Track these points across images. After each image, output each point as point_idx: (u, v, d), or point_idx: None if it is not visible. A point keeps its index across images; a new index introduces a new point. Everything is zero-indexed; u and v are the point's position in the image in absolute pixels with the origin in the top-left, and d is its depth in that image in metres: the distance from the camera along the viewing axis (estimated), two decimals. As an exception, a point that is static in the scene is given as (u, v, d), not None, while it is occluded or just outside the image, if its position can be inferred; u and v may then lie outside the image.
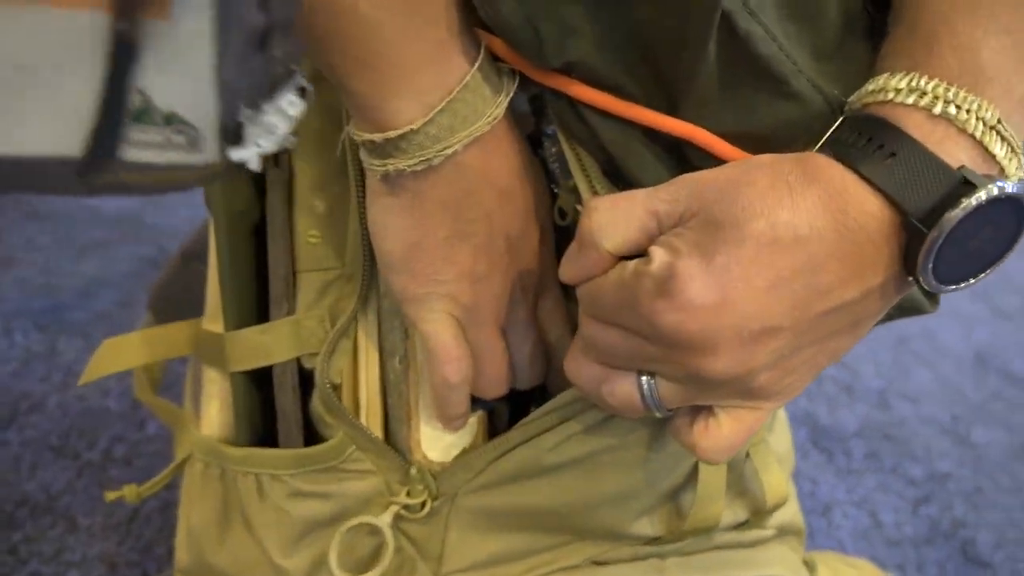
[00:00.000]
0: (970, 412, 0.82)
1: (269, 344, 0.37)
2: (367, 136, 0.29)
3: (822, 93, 0.27)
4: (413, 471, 0.35)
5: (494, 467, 0.35)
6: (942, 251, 0.24)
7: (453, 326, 0.32)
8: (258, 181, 0.38)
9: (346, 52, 0.27)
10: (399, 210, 0.30)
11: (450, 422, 0.35)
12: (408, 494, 0.35)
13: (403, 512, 0.35)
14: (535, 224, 0.33)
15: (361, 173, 0.32)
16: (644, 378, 0.28)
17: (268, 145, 0.22)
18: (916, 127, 0.24)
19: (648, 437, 0.35)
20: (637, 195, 0.26)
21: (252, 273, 0.38)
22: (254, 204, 0.38)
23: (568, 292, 0.35)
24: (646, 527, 0.36)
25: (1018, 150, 0.25)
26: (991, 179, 0.23)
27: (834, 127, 0.26)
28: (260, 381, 0.39)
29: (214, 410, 0.40)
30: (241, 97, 0.20)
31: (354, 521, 0.35)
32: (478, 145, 0.29)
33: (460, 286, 0.31)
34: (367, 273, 0.35)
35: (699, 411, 0.29)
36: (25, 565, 0.53)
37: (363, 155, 0.30)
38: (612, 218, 0.26)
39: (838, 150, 0.25)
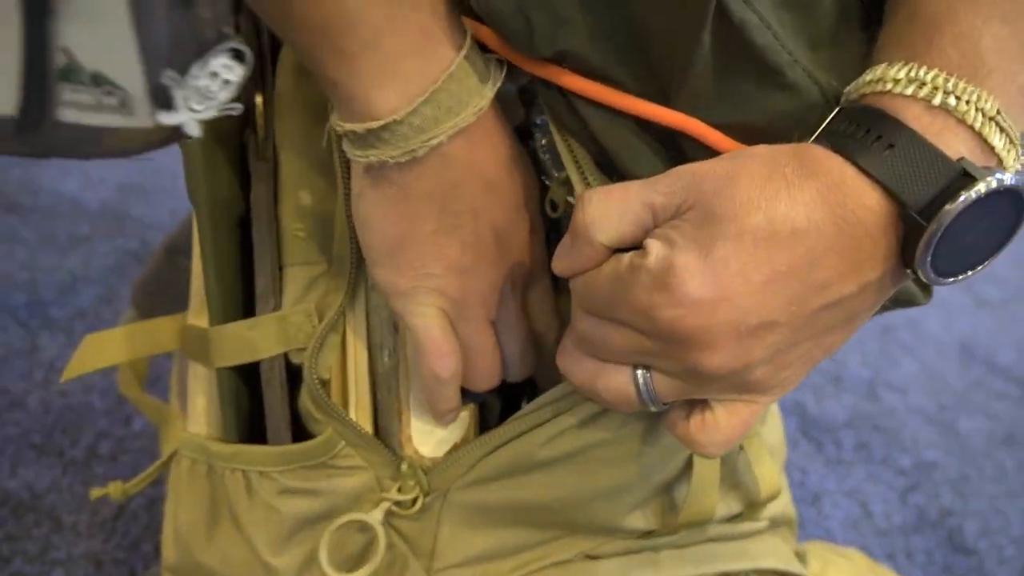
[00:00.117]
0: (955, 402, 0.83)
1: (255, 339, 0.36)
2: (349, 126, 0.28)
3: (817, 84, 0.27)
4: (404, 467, 0.35)
5: (486, 462, 0.35)
6: (940, 244, 0.24)
7: (441, 320, 0.32)
8: (243, 174, 0.37)
9: (327, 41, 0.26)
10: (383, 203, 0.30)
11: (441, 416, 0.34)
12: (399, 490, 0.35)
13: (394, 508, 0.35)
14: (524, 216, 0.32)
15: (347, 165, 0.32)
16: (639, 372, 0.27)
17: (206, 111, 0.22)
18: (915, 118, 0.24)
19: (642, 431, 0.34)
20: (632, 187, 0.26)
21: (237, 267, 0.38)
22: (239, 197, 0.38)
23: (558, 283, 0.35)
24: (639, 521, 0.36)
25: (1016, 141, 0.25)
26: (990, 171, 0.23)
27: (830, 118, 0.26)
28: (247, 377, 0.38)
29: (200, 406, 0.40)
30: (165, 58, 0.20)
31: (344, 518, 0.35)
32: (464, 136, 0.29)
33: (447, 280, 0.31)
34: (354, 267, 0.35)
35: (694, 405, 0.29)
36: (9, 564, 0.52)
37: (346, 146, 0.30)
38: (606, 211, 0.26)
39: (835, 141, 0.25)
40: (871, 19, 0.28)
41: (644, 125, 0.28)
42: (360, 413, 0.36)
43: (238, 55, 0.23)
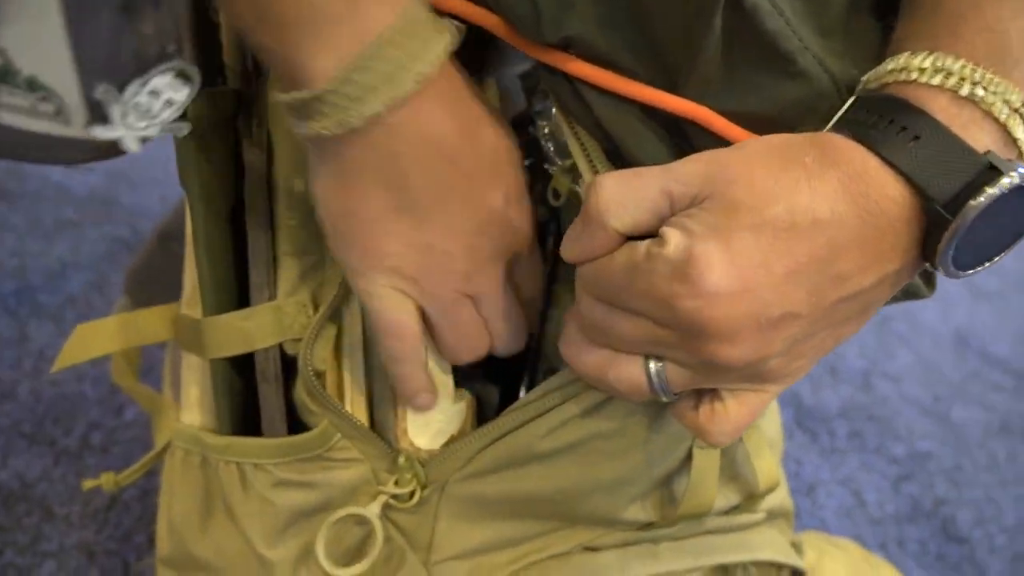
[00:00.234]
0: (950, 392, 0.83)
1: (250, 330, 0.36)
2: (284, 97, 0.26)
3: (828, 72, 0.26)
4: (401, 459, 0.34)
5: (485, 454, 0.34)
6: (963, 237, 0.23)
7: (397, 300, 0.30)
8: (236, 162, 0.37)
9: (258, 8, 0.25)
10: (330, 179, 0.28)
11: (412, 400, 0.33)
12: (396, 483, 0.34)
13: (392, 502, 0.35)
14: (496, 184, 0.30)
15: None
16: (652, 363, 0.27)
17: (147, 129, 0.21)
18: (941, 109, 0.24)
19: (645, 422, 0.34)
20: (648, 173, 0.25)
21: (231, 257, 0.37)
22: (232, 186, 0.37)
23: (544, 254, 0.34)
24: (639, 513, 0.36)
25: None
26: (1014, 164, 0.23)
27: (848, 105, 0.26)
28: (241, 367, 0.38)
29: (194, 397, 0.39)
30: (101, 71, 0.20)
31: (342, 512, 0.34)
32: (410, 107, 0.27)
33: (404, 259, 0.30)
34: (351, 256, 0.34)
35: (703, 394, 0.28)
36: (0, 555, 0.52)
37: (288, 119, 0.28)
38: (621, 197, 0.25)
39: (857, 130, 0.24)
40: (884, 8, 0.27)
41: (650, 112, 0.28)
42: (356, 405, 0.35)
43: (185, 76, 0.22)
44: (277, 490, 0.35)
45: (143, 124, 0.21)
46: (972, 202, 0.23)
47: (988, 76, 0.24)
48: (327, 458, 0.35)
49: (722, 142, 0.27)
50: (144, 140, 0.21)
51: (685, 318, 0.24)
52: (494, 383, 0.39)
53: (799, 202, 0.23)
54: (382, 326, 0.31)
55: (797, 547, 0.43)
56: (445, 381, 0.34)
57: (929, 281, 0.32)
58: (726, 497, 0.38)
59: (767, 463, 0.39)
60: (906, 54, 0.25)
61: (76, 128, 0.20)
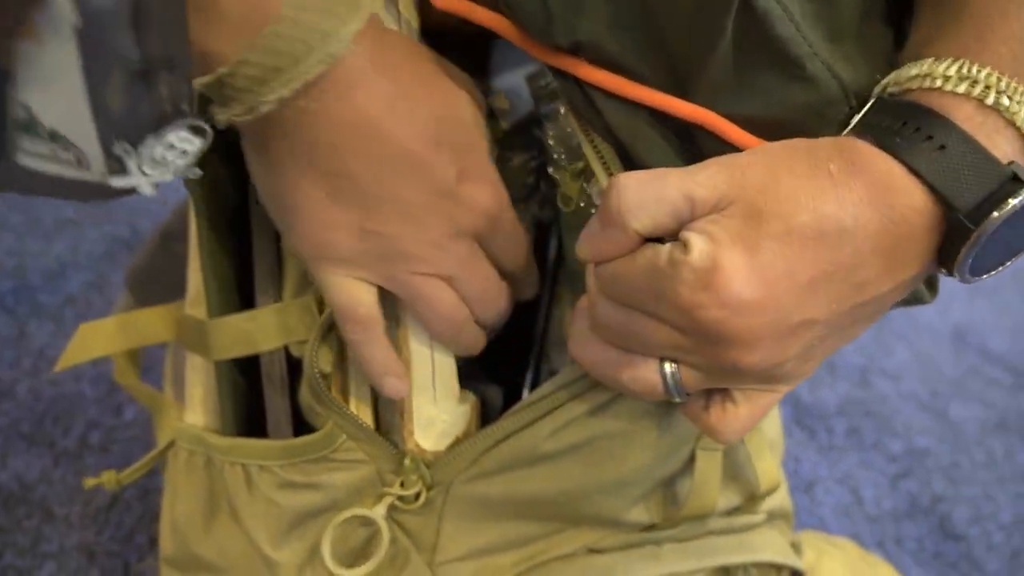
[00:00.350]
0: (948, 388, 0.83)
1: (255, 332, 0.36)
2: (196, 85, 0.25)
3: (837, 78, 0.26)
4: (407, 461, 0.34)
5: (489, 455, 0.34)
6: (983, 246, 0.23)
7: (353, 286, 0.30)
8: (240, 161, 0.36)
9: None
10: (260, 168, 0.28)
11: (379, 384, 0.32)
12: (402, 484, 0.34)
13: (397, 503, 0.35)
14: (442, 161, 0.28)
15: None
16: (667, 365, 0.27)
17: (162, 175, 0.23)
18: (967, 118, 0.24)
19: (649, 423, 0.34)
20: (670, 175, 0.25)
21: (235, 258, 0.37)
22: (236, 185, 0.37)
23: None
24: (642, 514, 0.36)
25: None
26: None
27: (866, 109, 0.25)
28: (245, 368, 0.38)
29: (198, 397, 0.39)
30: (120, 127, 0.21)
31: (348, 513, 0.34)
32: (321, 88, 0.25)
33: (354, 250, 0.29)
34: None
35: (714, 393, 0.28)
36: (0, 558, 0.52)
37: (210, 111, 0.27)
38: (642, 198, 0.25)
39: (880, 137, 0.24)
40: (894, 14, 0.27)
41: (660, 117, 0.28)
42: (361, 407, 0.35)
43: (197, 129, 0.23)
44: (282, 491, 0.35)
45: (158, 172, 0.22)
46: (996, 213, 0.23)
47: (1013, 85, 0.23)
48: (332, 459, 0.35)
49: (731, 147, 0.27)
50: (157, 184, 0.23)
51: (707, 327, 0.24)
52: (497, 384, 0.39)
53: (825, 211, 0.23)
54: (338, 312, 0.31)
55: (796, 547, 0.43)
56: (449, 383, 0.34)
57: (932, 286, 0.32)
58: (727, 498, 0.38)
59: (768, 464, 0.39)
60: (930, 60, 0.25)
61: (94, 174, 0.21)
